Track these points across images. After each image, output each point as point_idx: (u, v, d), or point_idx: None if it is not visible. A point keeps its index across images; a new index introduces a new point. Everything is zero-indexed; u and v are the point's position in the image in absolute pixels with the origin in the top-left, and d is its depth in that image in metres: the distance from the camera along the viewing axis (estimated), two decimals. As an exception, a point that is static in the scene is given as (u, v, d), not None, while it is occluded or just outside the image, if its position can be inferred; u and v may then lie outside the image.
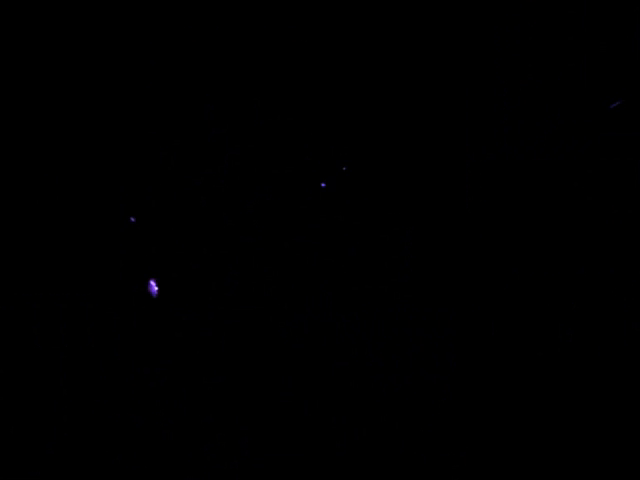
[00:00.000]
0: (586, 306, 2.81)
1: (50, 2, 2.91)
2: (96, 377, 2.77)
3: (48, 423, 2.73)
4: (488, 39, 2.94)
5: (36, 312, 2.80)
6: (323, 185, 2.70)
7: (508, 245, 2.87)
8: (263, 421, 2.76)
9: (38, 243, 2.85)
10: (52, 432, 2.72)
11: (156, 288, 2.65)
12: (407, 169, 2.93)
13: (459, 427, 2.74)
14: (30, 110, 2.91)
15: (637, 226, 2.85)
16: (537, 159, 2.91)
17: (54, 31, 2.92)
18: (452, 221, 2.89)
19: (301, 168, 2.92)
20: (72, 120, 2.92)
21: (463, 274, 2.86)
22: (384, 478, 2.72)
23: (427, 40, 2.95)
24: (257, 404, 2.77)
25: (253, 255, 2.88)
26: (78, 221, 2.87)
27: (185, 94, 2.94)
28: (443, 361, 2.80)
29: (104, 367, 2.78)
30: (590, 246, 2.85)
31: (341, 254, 2.88)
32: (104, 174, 2.91)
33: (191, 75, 2.95)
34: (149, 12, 2.94)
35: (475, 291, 2.84)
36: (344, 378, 2.79)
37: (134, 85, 2.94)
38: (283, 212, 2.90)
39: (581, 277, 2.83)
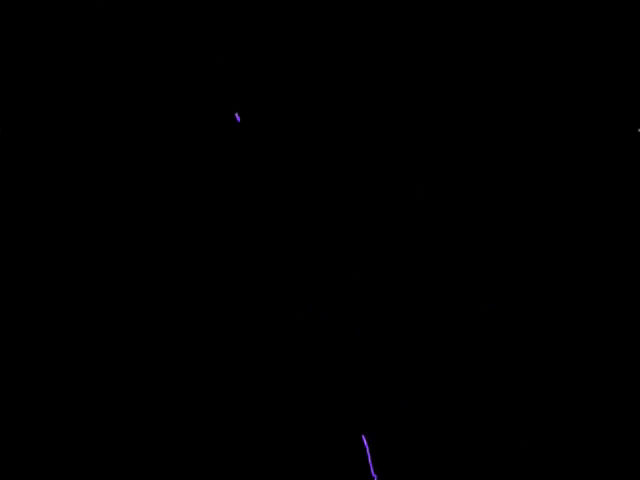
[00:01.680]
0: (586, 306, 2.81)
1: (50, 3, 2.91)
2: (96, 377, 2.77)
3: (48, 423, 2.73)
4: (488, 39, 2.94)
5: (36, 312, 2.80)
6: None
7: (507, 245, 2.87)
8: (263, 421, 2.76)
9: (38, 243, 2.85)
10: (52, 433, 2.72)
11: None
12: (406, 169, 2.93)
13: (459, 427, 2.74)
14: (31, 111, 2.91)
15: (637, 226, 2.85)
16: (538, 158, 2.91)
17: (54, 31, 2.92)
18: (451, 220, 2.89)
19: (302, 168, 2.92)
20: (72, 120, 2.92)
21: (463, 273, 2.86)
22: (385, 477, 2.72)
23: (427, 40, 2.95)
24: (257, 403, 2.77)
25: (253, 255, 2.88)
26: (78, 221, 2.87)
27: (185, 94, 2.94)
28: (443, 361, 2.80)
29: (104, 367, 2.78)
30: (590, 246, 2.85)
31: (341, 253, 2.88)
32: (104, 174, 2.90)
33: (191, 75, 2.95)
34: (149, 12, 2.94)
35: (474, 290, 2.84)
36: (344, 378, 2.79)
37: (134, 85, 2.93)
38: (284, 212, 2.90)
39: (580, 278, 2.83)
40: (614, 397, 2.75)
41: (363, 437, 2.73)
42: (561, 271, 2.84)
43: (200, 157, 2.92)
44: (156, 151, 2.92)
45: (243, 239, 2.88)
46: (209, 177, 2.91)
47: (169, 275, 2.84)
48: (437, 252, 2.87)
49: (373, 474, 2.71)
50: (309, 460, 2.73)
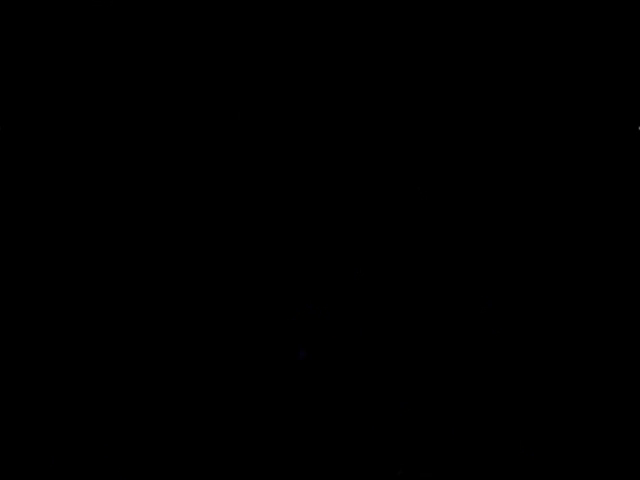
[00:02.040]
0: (586, 305, 2.82)
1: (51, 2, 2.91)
2: (96, 377, 2.77)
3: (48, 424, 2.73)
4: (488, 39, 2.94)
5: (36, 312, 2.80)
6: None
7: (507, 245, 2.87)
8: (262, 421, 2.76)
9: (38, 244, 2.85)
10: (52, 433, 2.72)
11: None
12: (405, 168, 2.93)
13: (460, 429, 2.75)
14: (30, 111, 2.91)
15: (637, 226, 2.85)
16: (538, 157, 2.91)
17: (55, 31, 2.92)
18: (451, 219, 2.89)
19: (302, 168, 2.92)
20: (72, 120, 2.92)
21: (463, 273, 2.86)
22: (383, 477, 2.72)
23: (427, 40, 2.96)
24: (257, 403, 2.77)
25: (253, 255, 2.88)
26: (79, 222, 2.87)
27: (185, 94, 2.94)
28: (444, 361, 2.80)
29: (104, 367, 2.77)
30: (590, 246, 2.86)
31: (341, 253, 2.88)
32: (104, 174, 2.90)
33: (191, 75, 2.95)
34: (149, 12, 2.94)
35: (474, 290, 2.84)
36: (344, 378, 2.79)
37: (134, 85, 2.93)
38: (284, 212, 2.90)
39: (580, 277, 2.84)
40: (614, 397, 2.75)
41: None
42: (561, 271, 2.85)
43: (200, 157, 2.92)
44: (156, 151, 2.91)
45: (243, 239, 2.88)
46: (209, 177, 2.91)
47: (169, 274, 2.84)
48: (437, 252, 2.87)
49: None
50: (309, 460, 2.73)
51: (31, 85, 2.91)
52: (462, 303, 2.82)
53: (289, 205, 2.90)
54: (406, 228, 2.88)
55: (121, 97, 2.92)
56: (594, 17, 2.94)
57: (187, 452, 2.71)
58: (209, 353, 2.79)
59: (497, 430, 2.73)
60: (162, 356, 2.78)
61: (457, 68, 2.94)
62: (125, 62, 2.93)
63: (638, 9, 2.92)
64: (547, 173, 2.90)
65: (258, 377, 2.78)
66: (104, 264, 2.84)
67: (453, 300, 2.83)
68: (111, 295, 2.82)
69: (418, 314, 2.82)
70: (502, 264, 2.85)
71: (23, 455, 2.69)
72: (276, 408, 2.76)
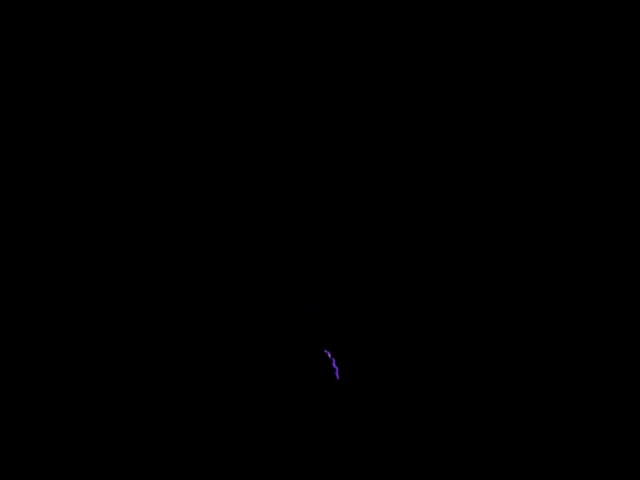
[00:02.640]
0: (585, 306, 2.82)
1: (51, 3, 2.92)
2: (96, 377, 2.77)
3: (48, 424, 2.73)
4: (488, 39, 2.95)
5: (36, 312, 2.80)
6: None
7: (507, 246, 2.87)
8: (262, 420, 2.76)
9: (38, 244, 2.85)
10: (52, 433, 2.72)
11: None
12: (404, 168, 2.93)
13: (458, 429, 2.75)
14: (31, 111, 2.91)
15: (637, 226, 2.85)
16: (538, 158, 2.91)
17: (55, 32, 2.92)
18: (450, 219, 2.89)
19: (301, 169, 2.93)
20: (72, 121, 2.92)
21: (463, 273, 2.86)
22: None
23: (427, 40, 2.96)
24: (257, 403, 2.77)
25: (253, 256, 2.88)
26: (78, 222, 2.87)
27: (184, 94, 2.94)
28: (444, 360, 2.80)
29: (104, 367, 2.78)
30: (589, 246, 2.86)
31: (341, 253, 2.88)
32: (104, 174, 2.91)
33: (191, 75, 2.95)
34: (149, 13, 2.94)
35: (474, 290, 2.85)
36: (345, 377, 2.79)
37: (134, 85, 2.94)
38: (284, 213, 2.90)
39: (579, 277, 2.84)
40: (613, 397, 2.75)
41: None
42: (560, 271, 2.85)
43: (201, 157, 2.92)
44: (156, 152, 2.92)
45: (244, 240, 2.89)
46: (209, 178, 2.91)
47: (170, 275, 2.84)
48: (437, 252, 2.87)
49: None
50: (308, 462, 2.73)
51: (31, 85, 2.91)
52: (462, 303, 2.83)
53: (289, 205, 2.90)
54: (406, 228, 2.88)
55: (121, 97, 2.92)
56: (594, 17, 2.94)
57: (187, 452, 2.72)
58: (209, 353, 2.80)
59: (497, 430, 2.73)
60: (162, 356, 2.79)
61: (457, 68, 2.94)
62: (125, 62, 2.93)
63: (638, 9, 2.92)
64: (547, 173, 2.90)
65: (258, 377, 2.78)
66: (105, 264, 2.84)
67: (453, 300, 2.83)
68: (113, 295, 2.82)
69: (418, 314, 2.83)
70: (502, 264, 2.85)
71: (23, 455, 2.69)
72: (276, 407, 2.76)
